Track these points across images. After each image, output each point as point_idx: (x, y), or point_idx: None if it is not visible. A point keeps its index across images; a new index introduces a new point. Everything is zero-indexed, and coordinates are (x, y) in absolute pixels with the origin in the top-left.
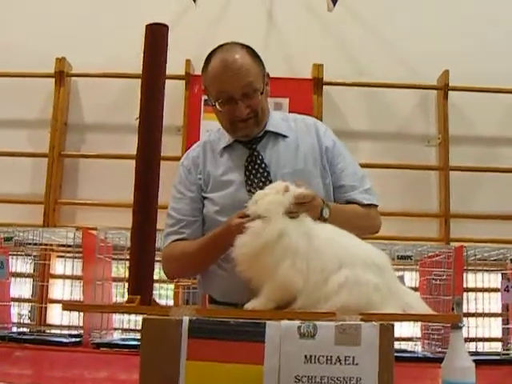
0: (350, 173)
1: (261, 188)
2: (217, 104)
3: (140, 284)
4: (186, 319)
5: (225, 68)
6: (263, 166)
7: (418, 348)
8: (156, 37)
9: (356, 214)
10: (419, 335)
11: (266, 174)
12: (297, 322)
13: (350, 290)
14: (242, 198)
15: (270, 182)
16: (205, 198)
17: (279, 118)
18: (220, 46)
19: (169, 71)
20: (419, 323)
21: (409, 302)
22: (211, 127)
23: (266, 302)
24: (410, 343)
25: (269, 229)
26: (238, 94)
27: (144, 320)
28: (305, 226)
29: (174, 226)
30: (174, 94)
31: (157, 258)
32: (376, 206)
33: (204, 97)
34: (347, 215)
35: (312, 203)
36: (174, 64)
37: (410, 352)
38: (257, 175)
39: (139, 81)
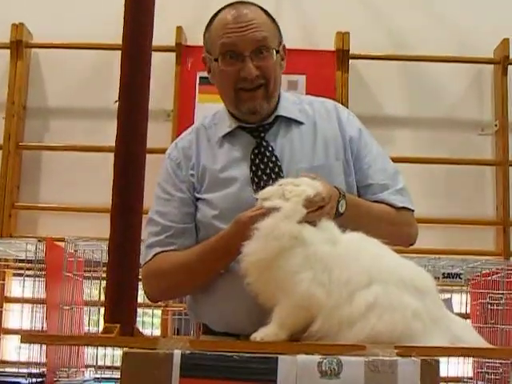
0: (379, 169)
1: None
2: (219, 61)
3: (120, 309)
4: (177, 353)
5: (235, 17)
6: (273, 159)
7: None
8: None
9: (387, 216)
10: (471, 374)
11: (276, 169)
12: (317, 357)
13: (382, 315)
14: (248, 198)
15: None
16: (198, 199)
17: (291, 100)
18: (229, 4)
19: (155, 42)
20: (471, 359)
21: (458, 332)
22: (209, 111)
23: (279, 330)
24: None
25: (284, 228)
26: (248, 49)
27: (125, 354)
28: (328, 232)
29: (160, 235)
30: (162, 69)
31: (141, 277)
32: (411, 210)
33: (200, 73)
34: (374, 215)
35: (331, 205)
36: (162, 33)
37: None
38: (266, 171)
39: (118, 53)
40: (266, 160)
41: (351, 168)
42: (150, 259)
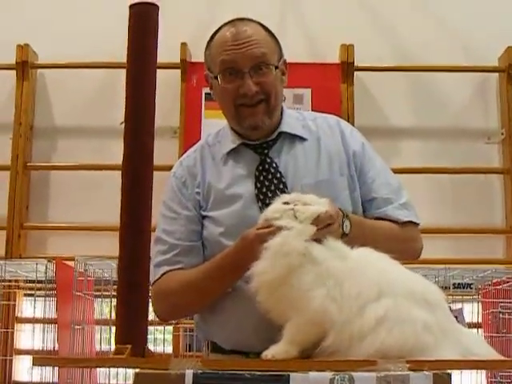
0: (382, 183)
1: None
2: (219, 79)
3: (131, 328)
4: (189, 373)
5: (233, 35)
6: (278, 175)
7: None
8: (143, 18)
9: (391, 233)
10: None
11: (281, 185)
12: (329, 374)
13: (391, 328)
14: (253, 215)
15: None
16: (204, 217)
17: (294, 116)
18: (228, 22)
19: (160, 59)
20: (484, 371)
21: (469, 345)
22: (215, 127)
23: (290, 346)
24: None
25: (293, 246)
26: (247, 66)
27: (137, 375)
28: (337, 249)
29: (167, 254)
30: (167, 86)
31: (151, 296)
32: (416, 224)
33: (205, 89)
34: (378, 233)
35: (338, 223)
36: (167, 49)
37: None
38: (270, 187)
39: (124, 72)
40: (270, 177)
41: (355, 183)
42: (159, 278)
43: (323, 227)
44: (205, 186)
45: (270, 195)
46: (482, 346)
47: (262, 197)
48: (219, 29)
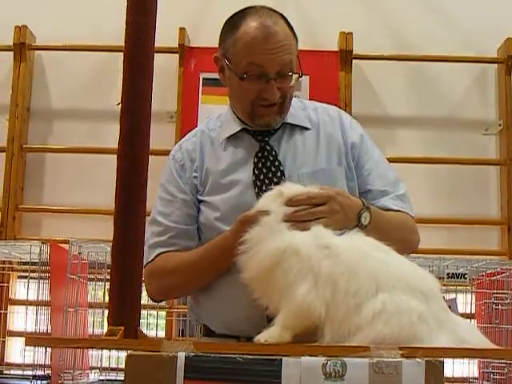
0: (379, 175)
1: None
2: (244, 79)
3: (123, 311)
4: (181, 356)
5: (265, 37)
6: (276, 163)
7: None
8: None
9: (401, 223)
10: (476, 375)
11: (279, 173)
12: (321, 359)
13: (388, 320)
14: (249, 201)
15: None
16: (201, 201)
17: (297, 105)
18: (250, 8)
19: (158, 43)
20: (476, 360)
21: (463, 335)
22: (212, 112)
23: (282, 331)
24: None
25: (270, 245)
26: (274, 71)
27: (129, 357)
28: (322, 238)
29: (162, 236)
30: (165, 71)
31: (143, 277)
32: (411, 217)
33: (203, 74)
34: (391, 223)
35: (330, 207)
36: (165, 34)
37: None
38: (268, 175)
39: (121, 55)
40: (268, 164)
41: (353, 173)
42: (153, 259)
43: (300, 210)
44: (203, 170)
45: (266, 182)
46: (476, 336)
47: (259, 183)
48: (243, 15)
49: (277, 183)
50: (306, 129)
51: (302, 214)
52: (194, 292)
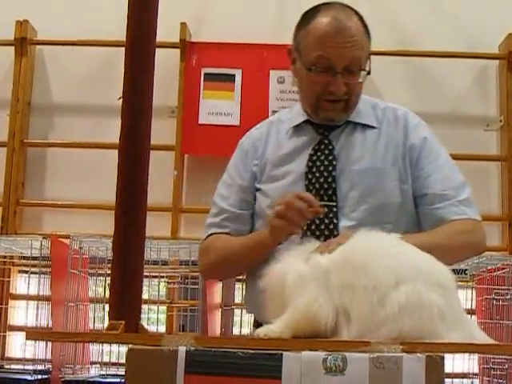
0: (440, 178)
1: (320, 185)
2: (312, 70)
3: (124, 306)
4: (182, 350)
5: (337, 31)
6: (330, 158)
7: None
8: None
9: (444, 236)
10: (476, 370)
11: (330, 167)
12: (322, 353)
13: (412, 314)
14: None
15: (333, 178)
16: (258, 189)
17: (369, 104)
18: (325, 3)
19: (159, 38)
20: (476, 355)
21: (474, 333)
22: (213, 107)
23: (284, 329)
24: (465, 381)
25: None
26: (341, 65)
27: (129, 351)
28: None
29: (217, 217)
30: (166, 66)
31: (146, 273)
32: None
33: (204, 69)
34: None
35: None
36: (166, 29)
37: None
38: (320, 168)
39: (123, 50)
40: (323, 157)
41: (408, 176)
42: (205, 238)
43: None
44: (263, 159)
45: (317, 175)
46: (479, 332)
47: (310, 176)
48: (317, 9)
49: (327, 177)
50: (370, 127)
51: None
52: (233, 277)
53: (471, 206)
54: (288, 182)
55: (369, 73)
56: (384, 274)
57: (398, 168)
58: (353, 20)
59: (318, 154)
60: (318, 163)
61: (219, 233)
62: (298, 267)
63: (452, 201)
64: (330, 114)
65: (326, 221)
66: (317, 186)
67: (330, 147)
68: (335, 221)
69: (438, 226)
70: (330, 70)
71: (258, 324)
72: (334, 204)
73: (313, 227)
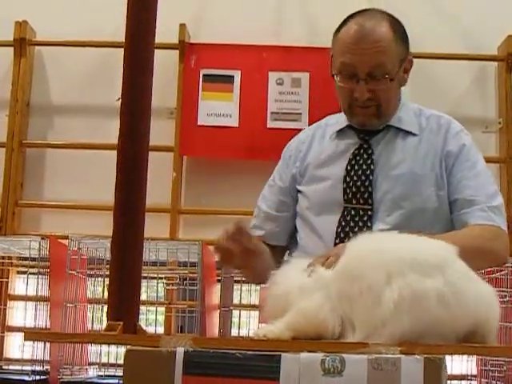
0: (472, 185)
1: (357, 188)
2: (337, 77)
3: (123, 306)
4: (180, 351)
5: (358, 37)
6: (369, 162)
7: None
8: None
9: (466, 239)
10: (475, 372)
11: (368, 172)
12: (320, 355)
13: (409, 309)
14: (335, 196)
15: (370, 182)
16: (299, 191)
17: (413, 111)
18: (361, 11)
19: (158, 39)
20: (475, 357)
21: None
22: (212, 109)
23: (284, 330)
24: (464, 382)
25: None
26: (363, 72)
27: (127, 352)
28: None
29: (255, 219)
30: (165, 67)
31: (144, 274)
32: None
33: (203, 71)
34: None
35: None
36: (165, 30)
37: None
38: (358, 172)
39: (121, 51)
40: (361, 162)
41: (444, 182)
42: None
43: None
44: (305, 161)
45: (355, 179)
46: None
47: (348, 179)
48: (350, 17)
49: (364, 181)
50: (412, 134)
51: None
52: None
53: (500, 215)
54: (327, 185)
55: (406, 71)
56: (375, 273)
57: (436, 174)
58: (381, 25)
59: (357, 158)
60: (357, 167)
61: (259, 234)
62: (301, 280)
63: (481, 206)
64: (360, 118)
65: (361, 224)
66: (354, 189)
67: (370, 151)
68: (369, 224)
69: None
70: (353, 76)
71: None
72: (369, 208)
73: (347, 229)
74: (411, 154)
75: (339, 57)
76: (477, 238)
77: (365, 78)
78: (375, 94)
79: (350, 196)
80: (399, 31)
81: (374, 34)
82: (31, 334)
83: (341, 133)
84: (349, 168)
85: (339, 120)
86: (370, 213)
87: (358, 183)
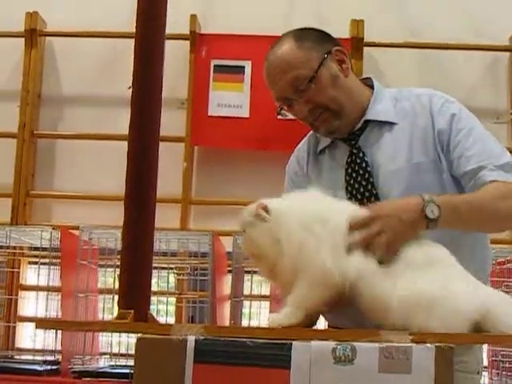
0: (474, 154)
1: (362, 195)
2: (281, 111)
3: (134, 295)
4: (191, 339)
5: (268, 70)
6: (363, 165)
7: (484, 380)
8: None
9: (488, 196)
10: (486, 363)
11: (367, 175)
12: (331, 343)
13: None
14: None
15: (372, 185)
16: None
17: (391, 97)
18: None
19: (169, 30)
20: (485, 348)
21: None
22: (222, 99)
23: (295, 311)
24: None
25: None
26: (289, 92)
27: (138, 340)
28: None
29: None
30: (175, 58)
31: (155, 265)
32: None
33: (214, 61)
34: (478, 207)
35: (373, 225)
36: (176, 21)
37: None
38: (357, 178)
39: (132, 41)
40: (357, 168)
41: (443, 164)
42: None
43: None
44: (306, 177)
45: (356, 186)
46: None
47: (350, 189)
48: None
49: (365, 186)
50: (394, 124)
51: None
52: None
53: (511, 171)
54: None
55: (341, 62)
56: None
57: (434, 159)
58: (282, 46)
59: (352, 165)
60: (354, 174)
61: None
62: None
63: (489, 167)
64: (322, 129)
65: None
66: (359, 196)
67: (361, 155)
68: None
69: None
70: (289, 102)
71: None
72: None
73: None
74: (403, 145)
75: (271, 91)
76: (492, 198)
77: (293, 97)
78: (313, 102)
79: (358, 204)
80: (305, 37)
81: (276, 60)
82: (42, 323)
83: (330, 147)
84: (347, 178)
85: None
86: None
87: (361, 189)
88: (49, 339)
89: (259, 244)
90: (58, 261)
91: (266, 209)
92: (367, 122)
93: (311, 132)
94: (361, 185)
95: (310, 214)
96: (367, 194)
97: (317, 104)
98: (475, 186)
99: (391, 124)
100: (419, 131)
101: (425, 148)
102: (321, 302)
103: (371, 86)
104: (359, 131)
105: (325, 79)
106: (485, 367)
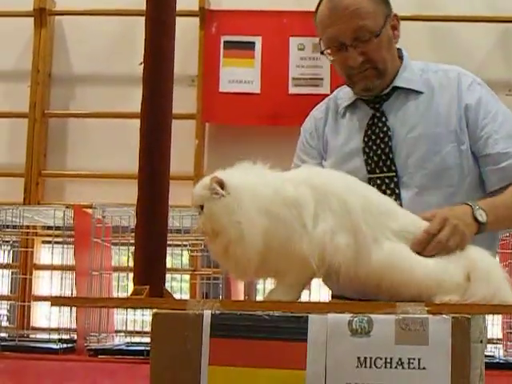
0: (502, 137)
1: (379, 157)
2: (327, 53)
3: (148, 271)
4: (207, 314)
5: (330, 10)
6: (385, 129)
7: (499, 352)
8: None
9: None
10: (500, 336)
11: (386, 139)
12: (347, 316)
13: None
14: (359, 169)
15: (390, 149)
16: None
17: (418, 69)
18: None
19: (179, 6)
20: (500, 321)
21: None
22: (233, 75)
23: (289, 288)
24: (489, 346)
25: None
26: (348, 38)
27: (154, 315)
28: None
29: None
30: (186, 34)
31: (168, 242)
32: None
33: (224, 37)
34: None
35: (450, 227)
36: None
37: (489, 357)
38: (376, 141)
39: (142, 19)
40: (377, 131)
41: (465, 136)
42: None
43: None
44: (324, 138)
45: (374, 148)
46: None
47: (367, 150)
48: (321, 1)
49: (383, 149)
50: (420, 93)
51: (431, 249)
52: None
53: None
54: (349, 160)
55: (395, 28)
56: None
57: (454, 130)
58: None
59: (373, 128)
60: (374, 137)
61: None
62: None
63: None
64: (361, 84)
65: (389, 192)
66: (375, 158)
67: (383, 119)
68: (397, 191)
69: (505, 183)
70: (341, 46)
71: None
72: (394, 174)
73: None
74: (425, 114)
75: (323, 34)
76: None
77: (352, 44)
78: (368, 56)
79: (373, 166)
80: None
81: (344, 1)
82: (58, 300)
83: (352, 107)
84: (366, 140)
85: (348, 95)
86: (395, 179)
87: (379, 152)
88: (64, 318)
89: (220, 219)
90: (72, 239)
91: (221, 183)
92: (395, 88)
93: (331, 95)
94: (379, 147)
95: (270, 196)
96: (383, 157)
97: (369, 59)
98: (500, 173)
99: (417, 93)
100: (444, 103)
101: (447, 120)
102: (312, 277)
103: (400, 57)
104: (386, 96)
105: (384, 39)
106: (499, 339)
